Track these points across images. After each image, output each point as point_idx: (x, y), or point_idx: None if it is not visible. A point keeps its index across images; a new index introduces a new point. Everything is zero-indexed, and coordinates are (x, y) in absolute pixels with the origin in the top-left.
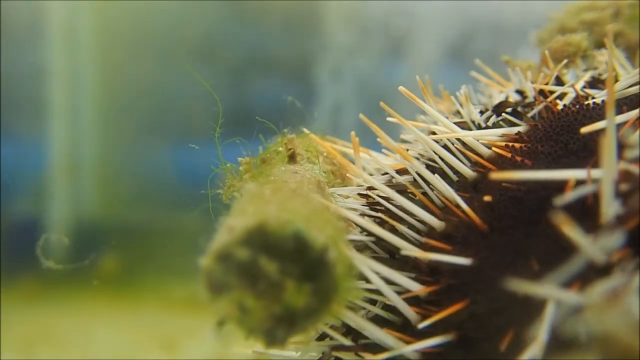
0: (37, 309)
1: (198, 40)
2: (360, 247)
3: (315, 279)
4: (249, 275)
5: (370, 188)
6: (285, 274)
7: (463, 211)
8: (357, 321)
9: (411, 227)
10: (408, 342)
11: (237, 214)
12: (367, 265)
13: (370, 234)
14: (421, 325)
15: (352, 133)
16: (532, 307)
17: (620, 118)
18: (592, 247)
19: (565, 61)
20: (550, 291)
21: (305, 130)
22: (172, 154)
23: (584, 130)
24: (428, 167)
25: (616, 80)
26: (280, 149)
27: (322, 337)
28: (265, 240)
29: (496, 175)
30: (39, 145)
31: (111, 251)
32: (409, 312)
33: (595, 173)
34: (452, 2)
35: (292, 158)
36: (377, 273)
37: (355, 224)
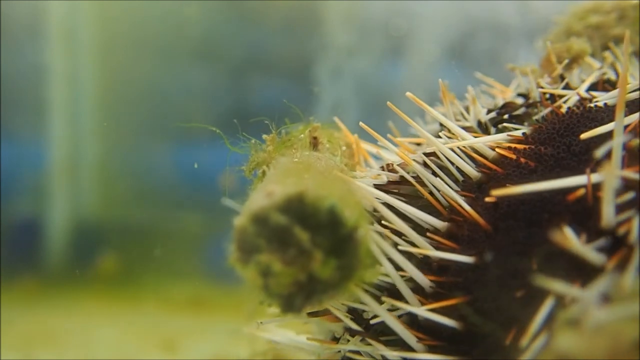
0: (37, 309)
1: (198, 40)
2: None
3: (341, 255)
4: (280, 241)
5: (390, 182)
6: (315, 244)
7: (468, 211)
8: (361, 297)
9: (417, 225)
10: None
11: (274, 181)
12: (386, 251)
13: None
14: (420, 308)
15: (355, 136)
16: (534, 306)
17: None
18: (594, 255)
19: (565, 62)
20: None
21: (337, 120)
22: (172, 154)
23: (584, 136)
24: (436, 165)
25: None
26: (302, 136)
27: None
28: (302, 209)
29: (497, 192)
30: (39, 145)
31: (111, 251)
32: (414, 300)
33: (595, 178)
34: (452, 2)
35: (315, 145)
36: (391, 260)
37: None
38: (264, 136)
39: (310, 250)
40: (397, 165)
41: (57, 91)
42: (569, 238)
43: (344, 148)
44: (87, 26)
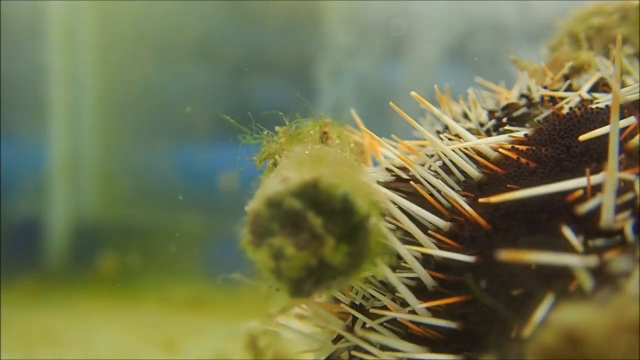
0: (37, 309)
1: (198, 40)
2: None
3: (352, 242)
4: (293, 226)
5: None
6: (328, 230)
7: (468, 212)
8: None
9: (420, 225)
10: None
11: (288, 168)
12: (395, 246)
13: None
14: (419, 306)
15: (366, 137)
16: (533, 304)
17: (622, 123)
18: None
19: (570, 63)
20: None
21: (353, 112)
22: (172, 154)
23: (582, 137)
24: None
25: (623, 86)
26: (312, 132)
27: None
28: (316, 196)
29: (495, 198)
30: (39, 145)
31: (111, 251)
32: (412, 298)
33: (595, 179)
34: (452, 2)
35: (325, 140)
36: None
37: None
38: (277, 128)
39: (323, 235)
40: (398, 165)
41: (57, 91)
42: (516, 253)
43: (352, 145)
44: (87, 26)
